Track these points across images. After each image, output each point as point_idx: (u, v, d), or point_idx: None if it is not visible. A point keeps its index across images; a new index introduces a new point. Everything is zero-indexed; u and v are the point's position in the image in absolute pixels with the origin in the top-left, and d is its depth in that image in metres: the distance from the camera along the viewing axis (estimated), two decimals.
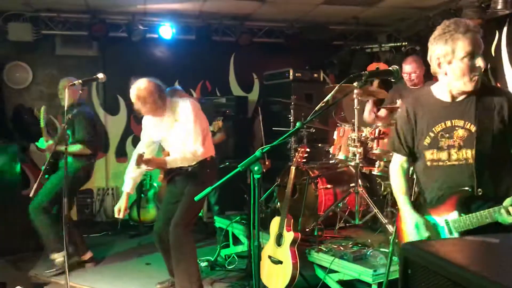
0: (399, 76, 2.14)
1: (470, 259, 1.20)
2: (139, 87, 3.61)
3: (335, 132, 4.59)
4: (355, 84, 2.33)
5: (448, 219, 2.20)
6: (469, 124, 2.17)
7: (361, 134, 4.28)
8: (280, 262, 3.65)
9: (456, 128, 2.20)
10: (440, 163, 2.25)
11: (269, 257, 3.76)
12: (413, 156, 2.41)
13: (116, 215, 3.75)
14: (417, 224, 2.27)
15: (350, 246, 3.69)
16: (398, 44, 6.97)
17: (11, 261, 4.30)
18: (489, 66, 5.74)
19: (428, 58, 2.23)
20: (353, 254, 3.44)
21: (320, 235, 3.96)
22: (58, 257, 4.44)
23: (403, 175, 2.48)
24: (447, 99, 2.23)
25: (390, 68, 2.16)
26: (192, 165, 3.75)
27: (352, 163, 4.32)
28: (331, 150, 4.61)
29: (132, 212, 6.31)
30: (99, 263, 4.93)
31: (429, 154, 2.28)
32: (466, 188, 2.15)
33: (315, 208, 4.20)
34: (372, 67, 6.51)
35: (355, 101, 4.33)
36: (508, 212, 1.97)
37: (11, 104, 6.43)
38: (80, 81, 3.35)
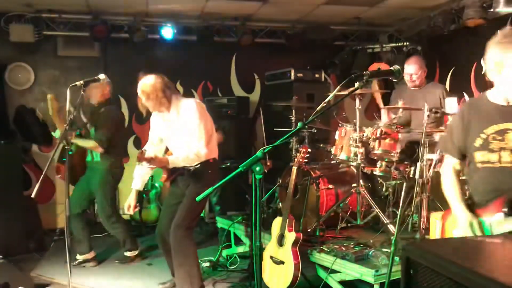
0: (401, 76, 2.13)
1: (473, 259, 1.20)
2: (145, 82, 3.67)
3: (337, 132, 4.58)
4: (356, 84, 2.34)
5: (492, 220, 2.21)
6: None
7: (363, 134, 4.28)
8: (282, 263, 3.65)
9: (508, 131, 2.21)
10: (490, 165, 2.27)
11: (271, 257, 3.76)
12: (464, 158, 2.45)
13: (126, 211, 3.85)
14: (472, 223, 2.28)
15: (352, 246, 3.69)
16: (399, 44, 6.97)
17: (13, 261, 4.31)
18: None
19: (483, 61, 2.29)
20: (355, 255, 3.44)
21: (322, 235, 3.96)
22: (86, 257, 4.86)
23: (455, 176, 2.50)
24: (502, 102, 2.26)
25: (392, 68, 2.16)
26: (195, 166, 3.75)
27: (354, 164, 4.32)
28: (332, 150, 4.60)
29: (134, 212, 6.31)
30: (100, 263, 4.94)
31: (479, 156, 2.31)
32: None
33: (317, 209, 4.20)
34: (374, 67, 6.52)
35: (357, 101, 4.33)
36: None
37: (13, 105, 6.44)
38: (81, 82, 3.35)
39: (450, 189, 2.49)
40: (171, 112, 3.77)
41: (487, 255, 1.26)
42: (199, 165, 3.74)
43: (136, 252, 5.05)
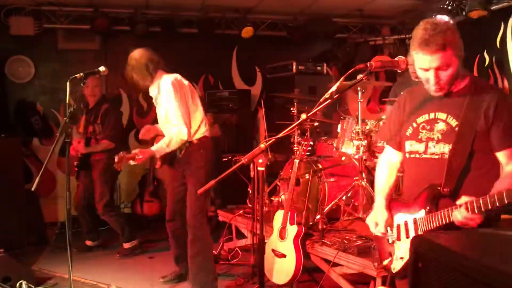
0: (404, 67, 2.10)
1: (483, 252, 1.17)
2: (130, 55, 3.77)
3: (339, 125, 4.56)
4: (359, 76, 2.31)
5: (417, 217, 2.13)
6: (452, 118, 2.09)
7: (365, 127, 4.25)
8: (284, 256, 3.63)
9: (438, 121, 2.13)
10: (417, 156, 2.19)
11: (273, 250, 3.74)
12: (401, 148, 2.36)
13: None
14: (377, 219, 2.28)
15: (354, 239, 3.67)
16: (402, 36, 6.92)
17: (14, 255, 4.31)
18: (494, 58, 5.70)
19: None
20: (357, 247, 3.42)
21: (324, 228, 3.94)
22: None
23: (387, 167, 2.44)
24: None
25: (395, 59, 2.12)
26: (184, 149, 3.72)
27: (356, 156, 4.29)
28: (334, 143, 4.58)
29: (135, 205, 6.31)
30: (101, 257, 4.95)
31: (408, 145, 2.24)
32: (434, 185, 2.08)
33: (319, 202, 4.18)
34: (376, 59, 6.47)
35: (359, 94, 4.30)
36: (460, 212, 1.89)
37: (13, 98, 6.42)
38: (81, 74, 3.32)
39: (377, 179, 2.46)
40: (153, 89, 3.79)
41: (497, 247, 1.24)
42: (188, 145, 3.71)
43: (135, 243, 5.08)
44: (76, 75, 3.29)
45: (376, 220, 2.32)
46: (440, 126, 2.12)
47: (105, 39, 6.68)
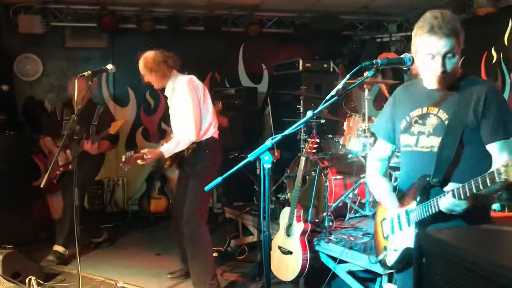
0: (412, 64, 2.09)
1: (488, 248, 1.18)
2: (145, 55, 3.81)
3: (345, 123, 4.56)
4: (365, 74, 2.31)
5: (408, 209, 2.15)
6: (443, 112, 2.11)
7: (371, 124, 4.25)
8: (290, 253, 3.65)
9: (430, 115, 2.15)
10: (409, 149, 2.21)
11: (279, 247, 3.76)
12: (393, 142, 2.37)
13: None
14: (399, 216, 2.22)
15: (360, 236, 3.68)
16: (408, 33, 6.89)
17: (23, 251, 4.35)
18: (502, 55, 5.66)
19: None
20: (363, 245, 3.43)
21: (330, 225, 3.95)
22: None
23: (381, 161, 2.43)
24: (432, 86, 2.16)
25: (402, 56, 2.12)
26: (191, 149, 3.76)
27: (363, 154, 4.29)
28: (341, 140, 4.58)
29: (142, 203, 6.35)
30: (109, 253, 4.98)
31: (402, 139, 2.26)
32: (424, 176, 2.10)
33: (325, 199, 4.19)
34: (382, 57, 6.45)
35: (366, 91, 4.30)
36: (447, 199, 1.92)
37: (21, 96, 6.47)
38: (89, 72, 3.35)
39: (374, 185, 2.43)
40: (168, 88, 3.83)
41: (502, 243, 1.24)
42: (196, 147, 3.75)
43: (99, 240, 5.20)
44: (84, 73, 3.32)
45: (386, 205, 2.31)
46: (432, 120, 2.14)
47: (112, 37, 6.71)
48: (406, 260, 2.15)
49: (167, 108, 4.02)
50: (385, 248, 2.28)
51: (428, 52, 2.03)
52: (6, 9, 6.11)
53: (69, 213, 4.65)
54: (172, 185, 6.17)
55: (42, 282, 3.84)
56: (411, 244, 2.09)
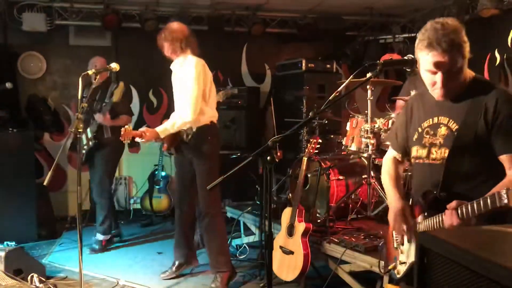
0: (415, 66, 2.08)
1: (490, 249, 1.17)
2: (171, 24, 3.87)
3: (348, 123, 4.56)
4: (368, 74, 2.30)
5: (417, 221, 2.10)
6: (453, 122, 2.02)
7: (374, 125, 4.25)
8: (292, 253, 3.65)
9: (441, 126, 2.07)
10: (420, 161, 2.14)
11: (281, 247, 3.76)
12: (407, 154, 2.30)
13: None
14: (404, 211, 2.14)
15: (362, 237, 3.68)
16: (412, 35, 6.88)
17: (25, 249, 4.37)
18: (505, 57, 5.65)
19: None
20: (365, 246, 3.43)
21: (331, 226, 3.95)
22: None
23: (393, 166, 2.37)
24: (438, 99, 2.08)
25: (406, 57, 2.11)
26: (191, 134, 3.78)
27: (365, 155, 4.29)
28: (343, 141, 4.58)
29: (144, 201, 6.36)
30: (111, 251, 5.00)
31: (414, 151, 2.18)
32: (430, 189, 2.03)
33: (327, 199, 4.19)
34: (386, 58, 6.45)
35: (369, 92, 4.30)
36: (450, 215, 1.86)
37: (25, 93, 6.49)
38: (94, 70, 3.37)
39: (385, 177, 2.37)
40: (176, 63, 3.87)
41: (505, 244, 1.24)
42: (195, 131, 3.77)
43: (108, 237, 5.02)
44: (88, 71, 3.34)
45: (400, 212, 2.20)
46: (442, 130, 2.06)
47: (115, 36, 6.72)
48: (413, 274, 2.11)
49: (170, 107, 4.04)
50: (395, 259, 2.25)
51: (427, 68, 1.96)
52: (11, 7, 6.13)
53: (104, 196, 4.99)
54: (174, 184, 6.18)
55: (44, 279, 3.85)
56: None
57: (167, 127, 3.71)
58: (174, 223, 4.25)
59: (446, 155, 2.02)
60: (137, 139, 3.67)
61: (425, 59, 1.94)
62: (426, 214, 2.05)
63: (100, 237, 4.96)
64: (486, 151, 1.96)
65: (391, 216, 2.25)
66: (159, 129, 3.72)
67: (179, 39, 3.78)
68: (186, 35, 3.83)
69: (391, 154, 2.41)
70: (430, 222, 2.00)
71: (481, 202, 1.72)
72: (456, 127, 2.01)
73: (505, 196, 1.60)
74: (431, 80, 1.99)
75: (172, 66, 3.93)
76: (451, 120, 2.04)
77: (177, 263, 4.21)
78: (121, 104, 4.85)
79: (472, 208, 1.77)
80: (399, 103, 4.83)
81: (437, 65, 1.91)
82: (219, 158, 3.97)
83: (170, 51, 3.84)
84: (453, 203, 1.87)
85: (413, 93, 4.28)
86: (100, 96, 4.89)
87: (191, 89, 3.68)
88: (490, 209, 1.68)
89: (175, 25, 3.87)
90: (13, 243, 4.12)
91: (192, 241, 4.36)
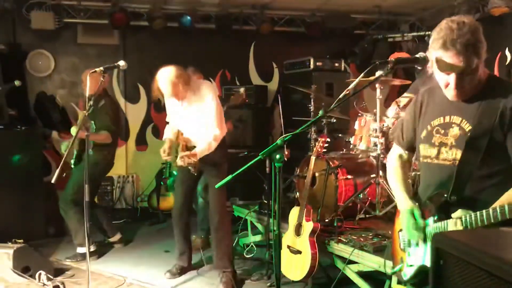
0: (426, 64, 2.04)
1: (506, 249, 1.15)
2: (165, 75, 3.76)
3: (356, 122, 4.53)
4: (377, 73, 2.27)
5: (427, 223, 2.05)
6: (466, 122, 1.95)
7: (383, 124, 4.22)
8: (299, 252, 3.63)
9: (453, 125, 1.99)
10: (429, 160, 2.07)
11: (288, 247, 3.75)
12: (413, 151, 2.25)
13: (162, 157, 3.93)
14: (413, 210, 2.06)
15: (370, 237, 3.65)
16: (421, 33, 6.83)
17: (33, 246, 4.39)
18: None
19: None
20: (373, 246, 3.41)
21: (339, 225, 3.92)
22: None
23: (399, 164, 2.29)
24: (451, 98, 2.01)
25: (417, 56, 2.08)
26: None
27: (373, 154, 4.27)
28: (352, 140, 4.56)
29: (151, 200, 6.36)
30: (118, 249, 5.01)
31: (422, 149, 2.11)
32: (441, 192, 1.97)
33: (335, 199, 4.17)
34: (394, 56, 6.41)
35: (377, 90, 4.27)
36: (455, 224, 1.82)
37: (33, 91, 6.52)
38: (101, 68, 3.35)
39: (392, 176, 2.28)
40: (188, 95, 3.87)
41: None
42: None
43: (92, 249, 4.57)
44: (96, 69, 3.33)
45: (409, 211, 2.12)
46: (455, 130, 1.98)
47: (123, 34, 6.73)
48: (421, 276, 2.07)
49: None
50: (402, 260, 2.21)
51: (441, 69, 1.90)
52: (20, 5, 6.16)
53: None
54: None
55: (51, 277, 3.87)
56: (427, 261, 2.00)
57: (204, 150, 3.74)
58: (174, 230, 4.30)
59: (458, 156, 1.96)
60: (193, 159, 3.64)
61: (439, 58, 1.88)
62: (436, 218, 1.99)
63: (79, 250, 4.65)
64: (500, 154, 1.90)
65: (401, 217, 2.20)
66: (198, 150, 3.72)
67: (178, 81, 3.74)
68: (183, 76, 3.78)
69: (396, 151, 2.34)
70: (439, 227, 1.96)
71: (484, 214, 1.72)
72: (470, 127, 1.94)
73: (508, 210, 1.61)
74: (445, 81, 1.92)
75: (183, 102, 3.90)
76: (464, 120, 1.97)
77: (179, 266, 4.27)
78: (102, 119, 4.59)
79: (476, 219, 1.75)
80: (403, 101, 4.78)
81: (451, 67, 1.85)
82: (229, 161, 4.09)
83: (177, 93, 3.81)
84: (458, 212, 1.84)
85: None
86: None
87: (216, 112, 3.81)
88: (493, 222, 1.66)
89: (167, 73, 3.75)
90: (21, 240, 4.13)
91: (190, 241, 4.42)
